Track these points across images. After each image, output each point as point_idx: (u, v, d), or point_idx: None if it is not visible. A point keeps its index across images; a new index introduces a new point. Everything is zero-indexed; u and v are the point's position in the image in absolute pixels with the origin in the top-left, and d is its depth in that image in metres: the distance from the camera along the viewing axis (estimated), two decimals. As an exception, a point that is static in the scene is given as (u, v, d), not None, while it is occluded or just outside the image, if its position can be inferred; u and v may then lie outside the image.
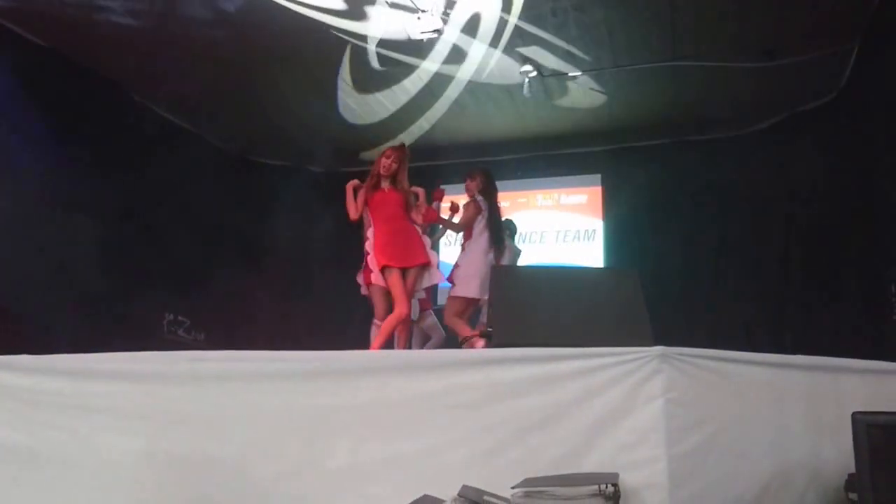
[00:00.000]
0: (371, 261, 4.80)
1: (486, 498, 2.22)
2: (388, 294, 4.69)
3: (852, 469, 2.24)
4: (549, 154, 8.53)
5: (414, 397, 2.57)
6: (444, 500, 2.22)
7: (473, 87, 7.16)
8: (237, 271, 7.23)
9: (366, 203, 4.89)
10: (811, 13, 5.57)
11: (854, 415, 2.21)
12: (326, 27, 6.04)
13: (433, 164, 7.94)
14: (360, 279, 5.08)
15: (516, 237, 6.88)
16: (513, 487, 2.18)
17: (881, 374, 2.94)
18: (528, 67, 6.63)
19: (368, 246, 4.83)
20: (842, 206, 6.41)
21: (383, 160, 4.91)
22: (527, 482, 2.20)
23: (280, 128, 7.78)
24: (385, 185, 4.89)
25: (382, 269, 4.70)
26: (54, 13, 5.71)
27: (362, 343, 4.95)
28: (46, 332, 5.13)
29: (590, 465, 2.35)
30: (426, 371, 2.62)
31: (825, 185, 6.75)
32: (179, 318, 7.02)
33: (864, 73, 6.00)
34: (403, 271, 4.70)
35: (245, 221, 8.02)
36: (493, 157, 8.70)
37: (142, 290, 6.43)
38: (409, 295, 4.71)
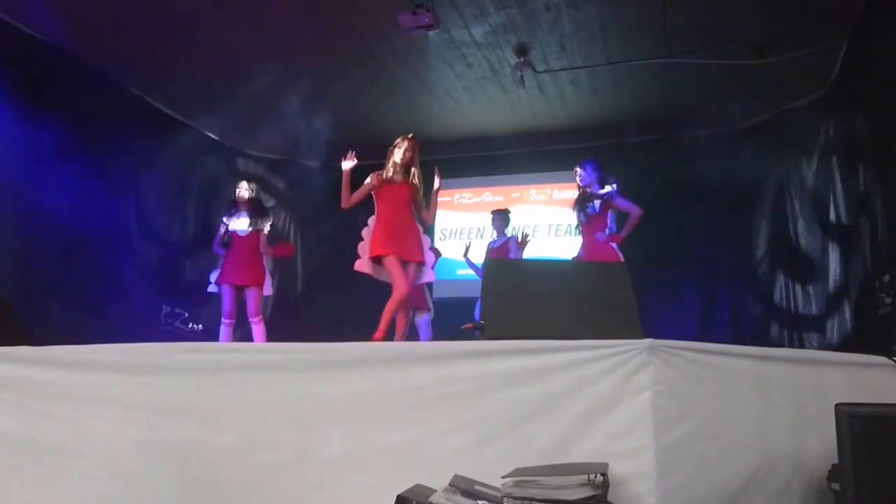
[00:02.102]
0: (362, 247, 4.78)
1: (476, 487, 2.24)
2: None
3: (835, 459, 2.27)
4: (541, 149, 8.56)
5: (406, 388, 2.60)
6: (435, 490, 2.24)
7: (468, 83, 7.17)
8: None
9: (372, 192, 4.86)
10: (800, 10, 5.61)
11: (837, 406, 2.25)
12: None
13: (427, 158, 7.95)
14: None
15: (508, 229, 6.95)
16: (503, 477, 2.20)
17: (862, 367, 2.99)
18: (521, 61, 6.66)
19: (365, 233, 4.81)
20: (830, 201, 6.47)
21: (398, 151, 4.86)
22: (517, 472, 2.23)
23: (276, 121, 7.78)
24: (398, 177, 4.85)
25: (375, 259, 4.69)
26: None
27: (359, 333, 4.98)
28: (44, 324, 5.14)
29: (579, 454, 2.38)
30: (419, 362, 2.64)
31: (814, 181, 6.82)
32: (177, 309, 7.02)
33: (852, 71, 6.05)
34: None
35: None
36: (487, 152, 8.74)
37: (139, 281, 6.45)
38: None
